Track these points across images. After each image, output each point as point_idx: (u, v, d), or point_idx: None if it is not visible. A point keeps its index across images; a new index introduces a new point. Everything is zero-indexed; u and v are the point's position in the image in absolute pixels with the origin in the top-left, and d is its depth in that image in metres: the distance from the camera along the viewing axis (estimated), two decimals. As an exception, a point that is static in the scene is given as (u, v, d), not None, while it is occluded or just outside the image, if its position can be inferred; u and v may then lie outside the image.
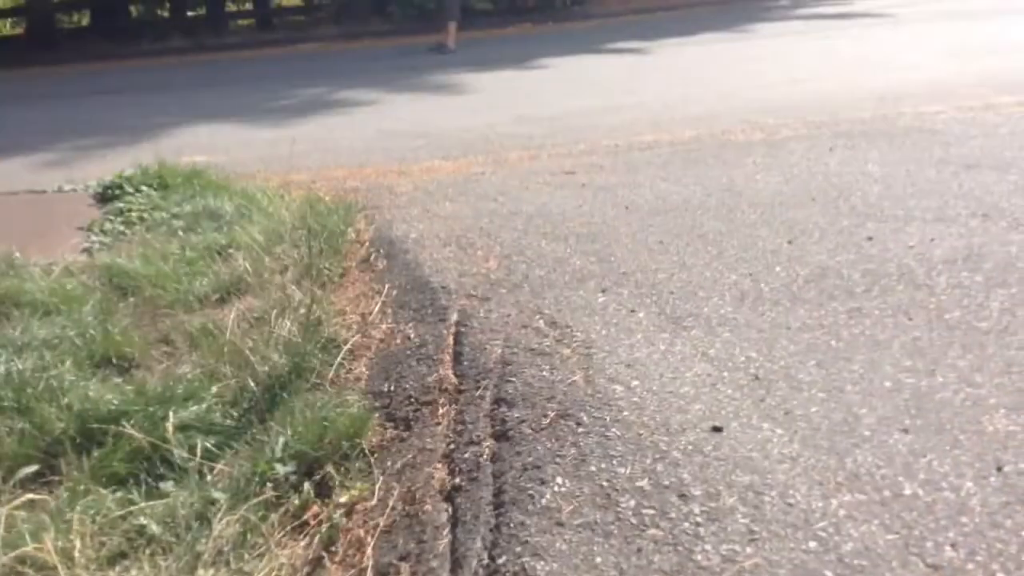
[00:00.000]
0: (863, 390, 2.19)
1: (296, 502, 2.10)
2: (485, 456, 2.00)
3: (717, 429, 2.04)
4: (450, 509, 1.91)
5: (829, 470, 1.84)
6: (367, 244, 4.06)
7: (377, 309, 3.27)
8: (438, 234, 4.03)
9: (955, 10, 11.93)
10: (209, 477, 2.24)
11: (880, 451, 1.91)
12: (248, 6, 17.39)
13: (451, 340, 2.82)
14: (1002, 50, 8.58)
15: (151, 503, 2.12)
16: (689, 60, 9.95)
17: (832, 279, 3.03)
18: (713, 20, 13.09)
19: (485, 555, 1.69)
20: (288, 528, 2.04)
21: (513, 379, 2.41)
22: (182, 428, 2.43)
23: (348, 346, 2.91)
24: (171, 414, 2.45)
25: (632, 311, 2.91)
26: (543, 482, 1.86)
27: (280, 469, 2.18)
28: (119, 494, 2.19)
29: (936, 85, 7.21)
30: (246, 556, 1.94)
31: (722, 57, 9.96)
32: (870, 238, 3.42)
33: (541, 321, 2.86)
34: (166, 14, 16.80)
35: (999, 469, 1.81)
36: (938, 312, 2.67)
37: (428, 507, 1.95)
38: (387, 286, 3.45)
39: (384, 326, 3.12)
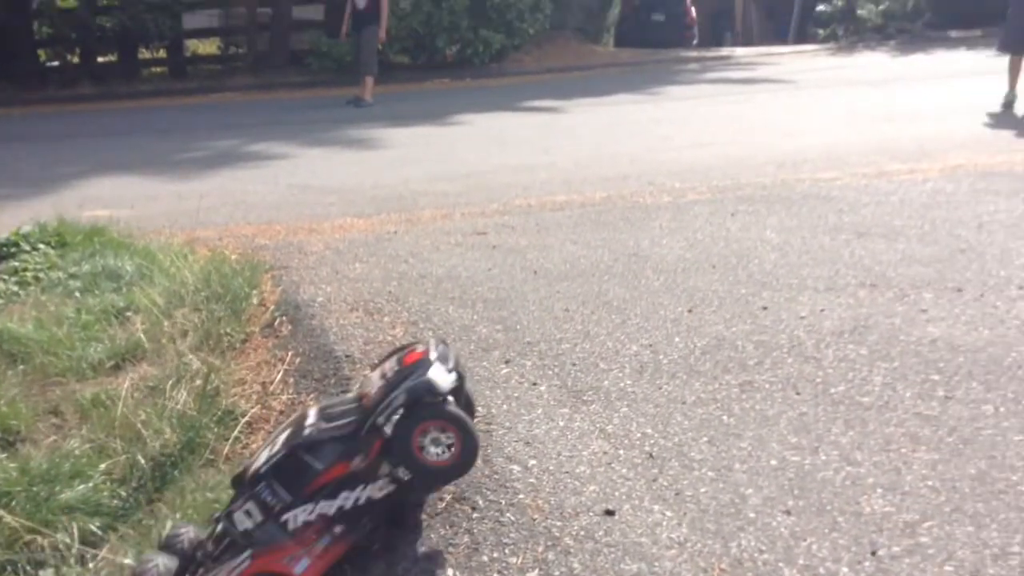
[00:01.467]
0: (750, 468, 2.25)
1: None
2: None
3: (610, 513, 2.06)
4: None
5: (714, 555, 1.88)
6: (272, 308, 4.01)
7: (278, 378, 3.22)
8: (346, 298, 4.01)
9: (852, 77, 12.53)
10: (92, 565, 2.16)
11: (763, 534, 1.96)
12: (162, 53, 17.14)
13: (352, 413, 2.79)
14: (895, 117, 9.02)
15: (27, 594, 2.03)
16: (602, 121, 10.19)
17: (727, 350, 3.12)
18: (626, 81, 13.46)
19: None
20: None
21: (411, 456, 2.39)
22: (67, 509, 2.34)
23: (246, 419, 2.85)
24: (56, 494, 2.37)
25: (534, 384, 2.94)
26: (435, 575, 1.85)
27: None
28: (-7, 584, 2.09)
29: (833, 151, 7.53)
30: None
31: (633, 119, 10.23)
32: (765, 308, 3.53)
33: (443, 393, 2.86)
34: (75, 59, 16.44)
35: (873, 553, 1.88)
36: (824, 386, 2.76)
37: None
38: (290, 354, 3.41)
39: (285, 396, 3.08)
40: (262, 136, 9.35)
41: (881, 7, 16.61)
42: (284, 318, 3.84)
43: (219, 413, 2.86)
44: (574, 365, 3.09)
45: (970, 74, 11.12)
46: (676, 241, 5.00)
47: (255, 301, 4.13)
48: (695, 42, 23.45)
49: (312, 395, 3.03)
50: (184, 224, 5.71)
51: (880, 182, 6.32)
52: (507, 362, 3.14)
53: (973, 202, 5.52)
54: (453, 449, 1.93)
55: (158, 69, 16.78)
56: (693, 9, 23.82)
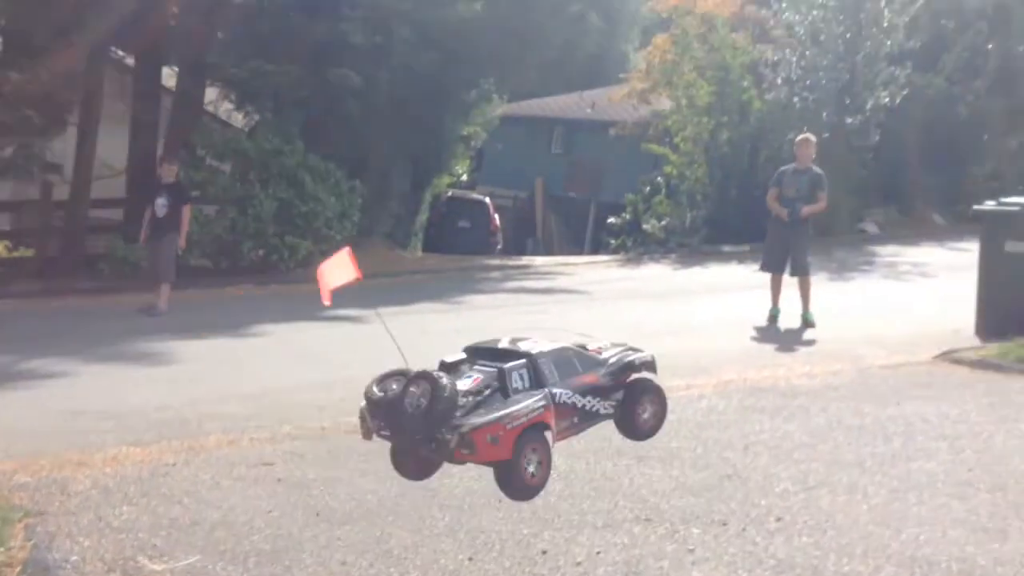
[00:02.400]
0: None
1: None
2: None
3: None
4: None
5: None
6: (18, 570, 3.64)
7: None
8: (104, 555, 3.70)
9: (639, 289, 13.43)
10: None
11: None
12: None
13: None
14: (676, 331, 9.64)
15: None
16: (404, 331, 10.22)
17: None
18: (430, 289, 13.81)
19: None
20: None
21: None
22: None
23: None
24: None
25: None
26: None
27: None
28: None
29: (621, 365, 7.91)
30: None
31: (435, 329, 10.42)
32: (544, 552, 3.56)
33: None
34: None
35: None
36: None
37: None
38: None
39: None
40: (40, 351, 8.79)
41: (663, 223, 18.17)
42: (30, 584, 3.49)
43: None
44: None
45: (741, 288, 12.18)
46: (466, 470, 4.95)
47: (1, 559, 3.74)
48: (499, 248, 24.62)
49: None
50: (-66, 460, 5.18)
51: (660, 398, 6.67)
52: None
53: (741, 421, 5.91)
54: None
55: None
56: (497, 217, 25.16)
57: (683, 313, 10.94)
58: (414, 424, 2.66)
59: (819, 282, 12.18)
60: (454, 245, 21.65)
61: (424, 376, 2.71)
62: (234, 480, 4.92)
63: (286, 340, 9.82)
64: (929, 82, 19.29)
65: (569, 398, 2.78)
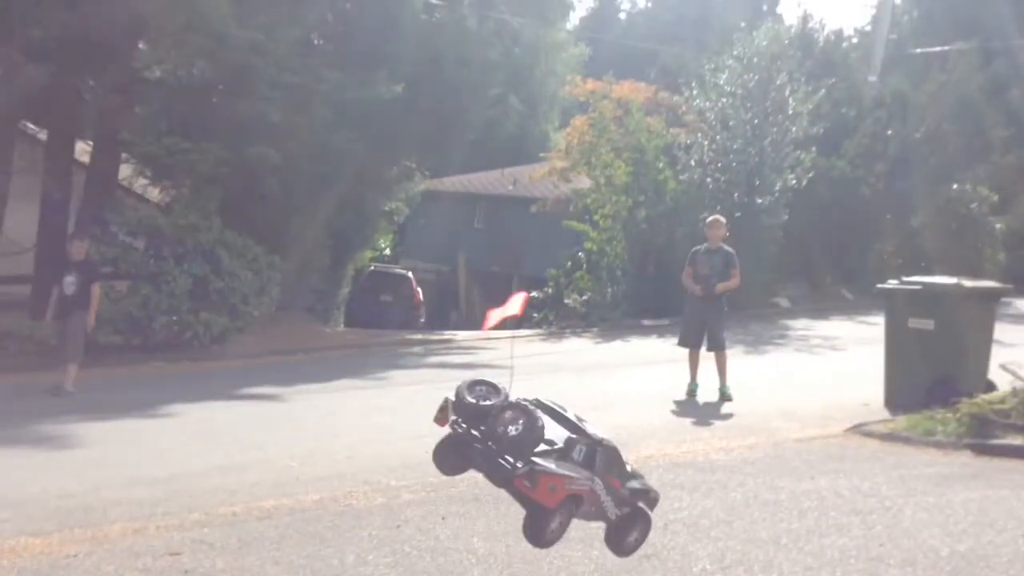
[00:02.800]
0: None
1: None
2: None
3: None
4: None
5: None
6: None
7: None
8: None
9: (561, 363, 13.48)
10: None
11: None
12: None
13: None
14: (597, 405, 9.62)
15: None
16: (322, 410, 10.13)
17: None
18: (351, 366, 13.65)
19: None
20: None
21: None
22: None
23: None
24: None
25: None
26: None
27: None
28: None
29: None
30: None
31: (355, 406, 10.27)
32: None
33: None
34: None
35: None
36: None
37: None
38: None
39: None
40: (-65, 435, 8.36)
41: (584, 297, 18.42)
42: None
43: None
44: None
45: (661, 362, 12.35)
46: (383, 556, 4.89)
47: None
48: (422, 321, 24.55)
49: None
50: None
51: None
52: None
53: (661, 498, 5.93)
54: None
55: None
56: (420, 290, 25.16)
57: (604, 387, 11.02)
58: (500, 442, 2.99)
59: (735, 355, 12.45)
60: (377, 319, 21.54)
61: (523, 409, 3.03)
62: (139, 572, 4.72)
63: (198, 420, 9.53)
64: (833, 165, 20.24)
65: (601, 491, 3.12)
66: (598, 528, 5.35)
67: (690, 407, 9.46)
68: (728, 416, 9.02)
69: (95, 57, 13.84)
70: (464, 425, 3.13)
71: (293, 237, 16.65)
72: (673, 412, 9.23)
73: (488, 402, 3.14)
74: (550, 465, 2.96)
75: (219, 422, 9.44)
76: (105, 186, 15.81)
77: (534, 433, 2.99)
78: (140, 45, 14.83)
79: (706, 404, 9.52)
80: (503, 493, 6.13)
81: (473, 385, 3.24)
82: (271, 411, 10.16)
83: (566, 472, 2.99)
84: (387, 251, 30.32)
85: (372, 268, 25.26)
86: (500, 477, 3.04)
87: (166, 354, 13.75)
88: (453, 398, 3.18)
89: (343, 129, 15.21)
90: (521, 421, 3.00)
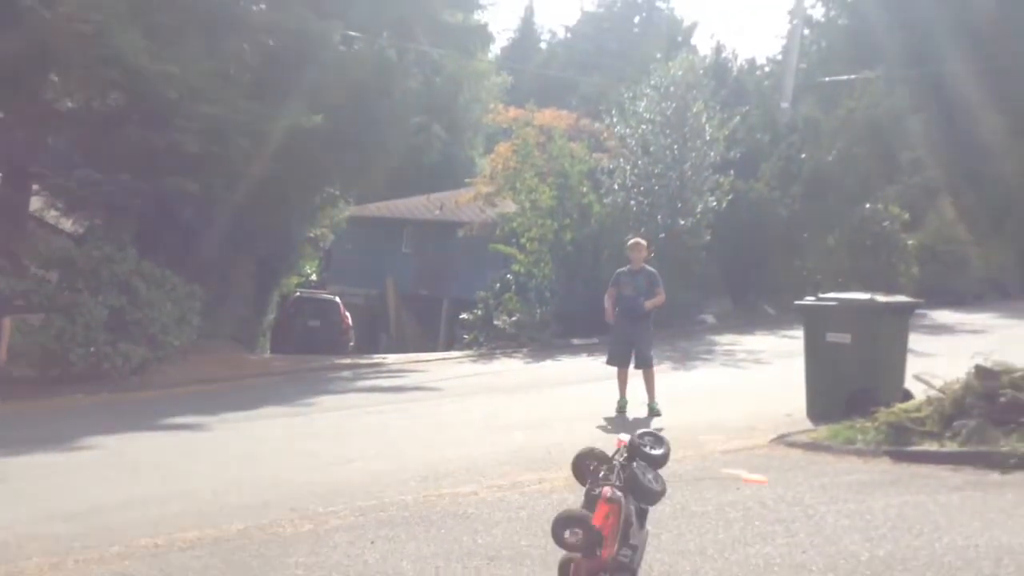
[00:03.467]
0: None
1: None
2: None
3: None
4: None
5: None
6: None
7: None
8: None
9: (491, 384, 13.49)
10: None
11: None
12: None
13: None
14: (529, 424, 9.72)
15: None
16: (246, 438, 9.93)
17: None
18: (276, 392, 13.41)
19: None
20: None
21: None
22: None
23: None
24: None
25: None
26: None
27: None
28: None
29: (472, 462, 7.85)
30: None
31: (281, 434, 10.09)
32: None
33: None
34: None
35: None
36: None
37: None
38: None
39: None
40: None
41: (514, 318, 18.47)
42: None
43: None
44: None
45: (592, 380, 12.43)
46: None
47: None
48: (352, 346, 24.27)
49: None
50: None
51: (513, 495, 6.65)
52: None
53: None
54: None
55: None
56: (348, 315, 24.88)
57: (535, 406, 11.06)
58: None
59: (664, 371, 12.63)
60: (304, 345, 21.23)
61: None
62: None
63: (118, 452, 9.26)
64: (751, 187, 20.81)
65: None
66: (528, 544, 5.38)
67: (620, 423, 9.54)
68: (657, 431, 9.11)
69: (3, 89, 13.46)
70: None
71: (214, 265, 16.35)
72: (604, 429, 9.29)
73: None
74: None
75: (140, 453, 9.18)
76: (15, 219, 15.34)
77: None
78: (51, 77, 14.48)
79: (636, 420, 9.61)
80: (433, 515, 6.13)
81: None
82: (194, 441, 9.92)
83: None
84: (313, 276, 29.96)
85: (298, 294, 24.90)
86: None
87: (84, 386, 13.33)
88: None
89: (262, 159, 15.09)
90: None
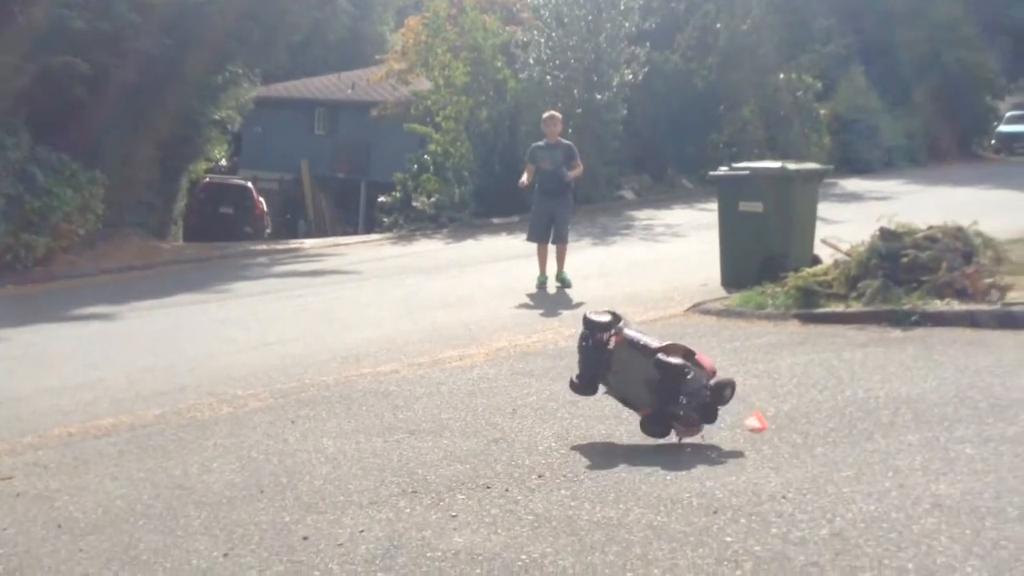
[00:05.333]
0: None
1: None
2: None
3: None
4: None
5: None
6: None
7: None
8: None
9: (411, 265, 13.41)
10: None
11: None
12: None
13: None
14: (449, 304, 9.72)
15: None
16: (161, 326, 9.72)
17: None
18: (190, 280, 13.11)
19: None
20: None
21: None
22: None
23: None
24: None
25: None
26: None
27: None
28: None
29: (393, 342, 7.84)
30: None
31: (196, 321, 9.90)
32: (305, 537, 3.44)
33: None
34: None
35: None
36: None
37: None
38: None
39: None
40: None
41: (432, 199, 18.24)
42: None
43: None
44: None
45: (512, 257, 12.45)
46: (228, 463, 4.78)
47: None
48: (268, 232, 23.78)
49: None
50: None
51: (434, 371, 6.68)
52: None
53: (511, 386, 6.04)
54: None
55: None
56: (263, 201, 24.26)
57: (455, 286, 11.05)
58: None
59: (584, 247, 12.72)
60: (218, 232, 20.68)
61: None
62: (-38, 501, 4.43)
63: (26, 344, 8.98)
64: (667, 59, 20.58)
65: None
66: (449, 416, 5.44)
67: (541, 298, 9.62)
68: (576, 305, 9.23)
69: None
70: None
71: (114, 150, 15.62)
72: (524, 305, 9.36)
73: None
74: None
75: (49, 345, 8.93)
76: None
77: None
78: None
79: (556, 295, 9.70)
80: (354, 394, 6.13)
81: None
82: (105, 330, 9.67)
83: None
84: (223, 162, 28.98)
85: (208, 180, 24.08)
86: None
87: (-14, 280, 12.82)
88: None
89: (153, 34, 14.24)
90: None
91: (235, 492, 4.18)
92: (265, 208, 24.11)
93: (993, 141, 31.25)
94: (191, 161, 20.10)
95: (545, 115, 10.60)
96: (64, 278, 13.54)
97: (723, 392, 4.53)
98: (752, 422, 4.56)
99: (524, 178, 10.14)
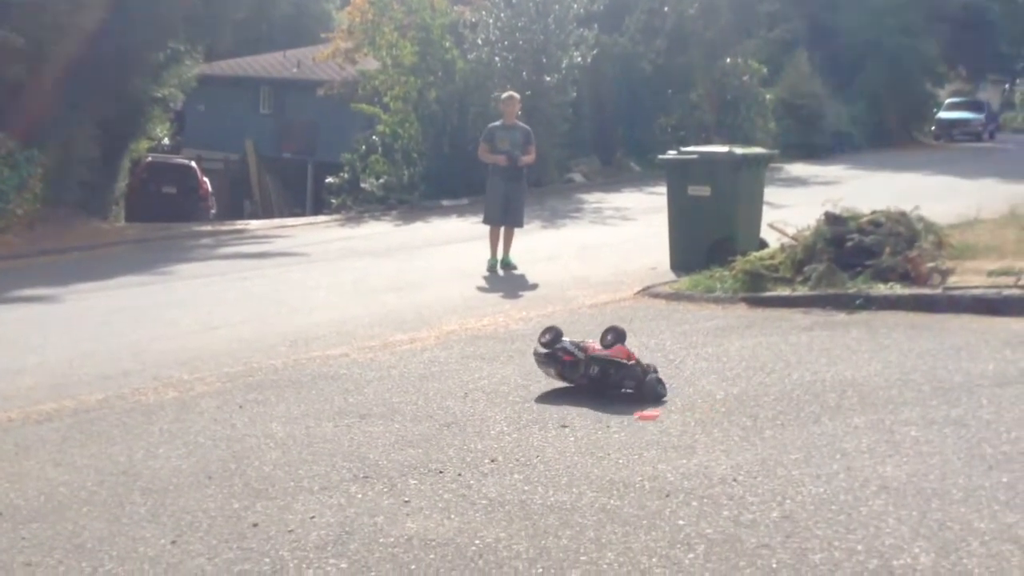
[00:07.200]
0: None
1: None
2: None
3: None
4: None
5: None
6: None
7: None
8: None
9: (360, 248, 13.28)
10: None
11: None
12: None
13: None
14: (399, 287, 9.65)
15: None
16: (103, 309, 9.49)
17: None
18: (132, 262, 12.81)
19: None
20: None
21: None
22: None
23: None
24: None
25: None
26: None
27: None
28: None
29: (342, 326, 7.76)
30: None
31: (139, 303, 9.68)
32: (256, 524, 3.40)
33: None
34: None
35: None
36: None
37: None
38: None
39: None
40: None
41: (381, 180, 18.08)
42: None
43: None
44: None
45: (463, 240, 12.41)
46: (175, 449, 4.69)
47: None
48: (213, 213, 23.35)
49: None
50: None
51: (384, 355, 6.63)
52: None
53: (462, 370, 6.02)
54: None
55: None
56: (208, 180, 23.80)
57: (405, 269, 10.97)
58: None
59: (534, 230, 12.70)
60: (161, 213, 20.22)
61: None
62: None
63: (-39, 328, 8.69)
64: (615, 42, 20.63)
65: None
66: (400, 400, 5.41)
67: (492, 281, 9.61)
68: (527, 288, 9.24)
69: None
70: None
71: (52, 128, 15.16)
72: (476, 287, 9.33)
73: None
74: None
75: (-16, 328, 8.65)
76: None
77: None
78: None
79: (507, 278, 9.69)
80: (303, 378, 6.05)
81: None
82: (44, 313, 9.42)
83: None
84: (166, 140, 28.36)
85: (150, 159, 23.54)
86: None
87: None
88: None
89: (90, 8, 13.82)
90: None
91: (182, 478, 4.10)
92: (210, 188, 23.67)
93: (933, 127, 31.97)
94: (133, 140, 19.64)
95: (504, 95, 10.54)
96: (1, 259, 13.14)
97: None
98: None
99: (490, 159, 10.06)
